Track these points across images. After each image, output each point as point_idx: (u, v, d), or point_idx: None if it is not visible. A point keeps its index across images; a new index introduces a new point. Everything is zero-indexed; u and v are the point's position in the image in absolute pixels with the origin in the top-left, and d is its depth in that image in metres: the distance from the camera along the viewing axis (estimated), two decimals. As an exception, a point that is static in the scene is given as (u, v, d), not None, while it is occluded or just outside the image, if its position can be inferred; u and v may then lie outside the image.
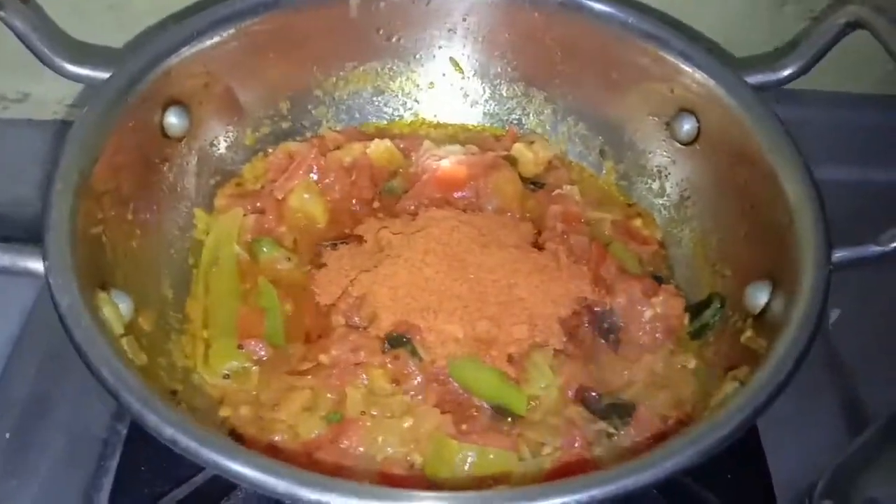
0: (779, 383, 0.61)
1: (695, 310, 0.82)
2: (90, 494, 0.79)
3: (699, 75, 0.85)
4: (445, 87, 1.01)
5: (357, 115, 1.00)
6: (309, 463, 0.67)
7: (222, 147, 0.91)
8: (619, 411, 0.75)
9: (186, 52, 0.83)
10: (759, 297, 0.74)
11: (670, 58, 0.87)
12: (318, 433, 0.70)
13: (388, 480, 0.66)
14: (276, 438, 0.70)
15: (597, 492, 0.54)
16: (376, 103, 1.00)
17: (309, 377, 0.73)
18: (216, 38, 0.85)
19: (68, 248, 0.65)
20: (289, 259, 0.85)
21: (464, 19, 0.96)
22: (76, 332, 0.60)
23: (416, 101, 1.01)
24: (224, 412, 0.73)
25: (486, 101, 1.01)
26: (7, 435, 0.81)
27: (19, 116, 1.07)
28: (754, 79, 0.84)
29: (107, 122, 0.75)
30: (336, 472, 0.64)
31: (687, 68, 0.86)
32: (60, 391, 0.84)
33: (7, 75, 1.02)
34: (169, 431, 0.54)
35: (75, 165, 0.70)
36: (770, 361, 0.62)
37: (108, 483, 0.78)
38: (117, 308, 0.67)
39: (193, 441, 0.53)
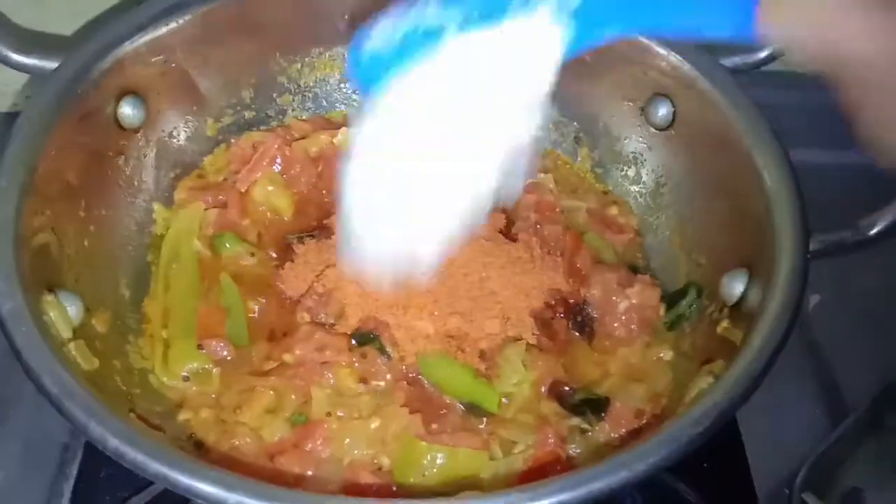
0: (755, 376, 0.59)
1: (671, 300, 0.80)
2: (50, 501, 0.76)
3: (673, 58, 0.83)
4: (415, 72, 0.98)
5: (324, 103, 0.97)
6: (270, 471, 0.64)
7: (182, 138, 0.88)
8: (594, 406, 0.72)
9: (141, 38, 0.79)
10: (735, 286, 0.72)
11: (643, 40, 0.84)
12: (282, 436, 0.68)
13: (354, 487, 0.63)
14: (238, 443, 0.67)
15: (567, 496, 0.52)
16: (344, 90, 0.97)
17: (272, 378, 0.71)
18: (173, 24, 0.82)
19: (11, 249, 0.62)
20: (252, 254, 0.82)
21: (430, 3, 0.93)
22: (17, 339, 0.57)
23: (383, 87, 0.98)
24: (183, 416, 0.70)
25: (456, 85, 0.98)
26: (-37, 441, 0.79)
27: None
28: (730, 61, 0.82)
29: (55, 115, 0.72)
30: (298, 481, 0.62)
31: (660, 51, 0.83)
32: (19, 395, 0.81)
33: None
34: (114, 443, 0.52)
35: (20, 161, 0.67)
36: (745, 354, 0.60)
37: (68, 489, 0.76)
38: (65, 310, 0.64)
39: (140, 454, 0.51)
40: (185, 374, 0.73)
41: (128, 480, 0.72)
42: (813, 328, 0.92)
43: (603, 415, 0.72)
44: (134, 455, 0.51)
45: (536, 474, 0.66)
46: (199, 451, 0.66)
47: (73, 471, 0.76)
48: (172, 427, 0.69)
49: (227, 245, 0.81)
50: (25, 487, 0.77)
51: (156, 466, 0.51)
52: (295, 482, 0.63)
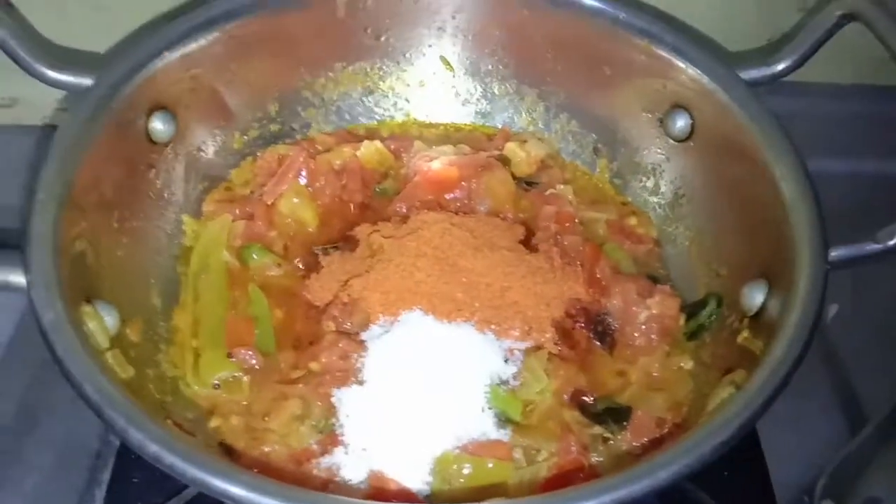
0: (776, 387, 0.60)
1: (691, 310, 0.81)
2: (84, 506, 0.78)
3: (692, 71, 0.84)
4: (436, 86, 0.99)
5: (347, 117, 0.99)
6: (299, 476, 0.66)
7: (210, 152, 0.90)
8: (616, 416, 0.74)
9: (170, 55, 0.82)
10: (755, 297, 0.73)
11: (663, 53, 0.86)
12: (310, 443, 0.69)
13: (381, 495, 0.65)
14: (267, 449, 0.69)
15: (594, 502, 0.53)
16: (366, 104, 0.99)
17: (300, 385, 0.72)
18: (201, 41, 0.84)
19: (51, 260, 0.64)
20: (279, 265, 0.83)
21: (453, 17, 0.94)
22: (59, 348, 0.58)
23: (406, 100, 1.00)
24: (214, 423, 0.72)
25: (478, 99, 1.00)
26: (-3, 448, 0.81)
27: (7, 122, 1.05)
28: (748, 74, 0.83)
29: (90, 130, 0.74)
30: (325, 486, 0.63)
31: (679, 63, 0.85)
32: (52, 402, 0.83)
33: (-7, 79, 1.01)
34: (153, 448, 0.53)
35: (58, 174, 0.69)
36: (767, 364, 0.61)
37: (100, 495, 0.77)
38: (102, 321, 0.66)
39: (178, 458, 0.52)
40: (215, 382, 0.74)
41: (159, 487, 0.73)
42: (831, 338, 0.92)
43: (625, 424, 0.73)
44: (172, 460, 0.53)
45: (560, 482, 0.67)
46: (229, 458, 0.68)
47: (105, 477, 0.77)
48: (203, 434, 0.70)
49: (255, 256, 0.83)
50: (58, 493, 0.79)
51: (193, 471, 0.52)
52: (322, 487, 0.64)
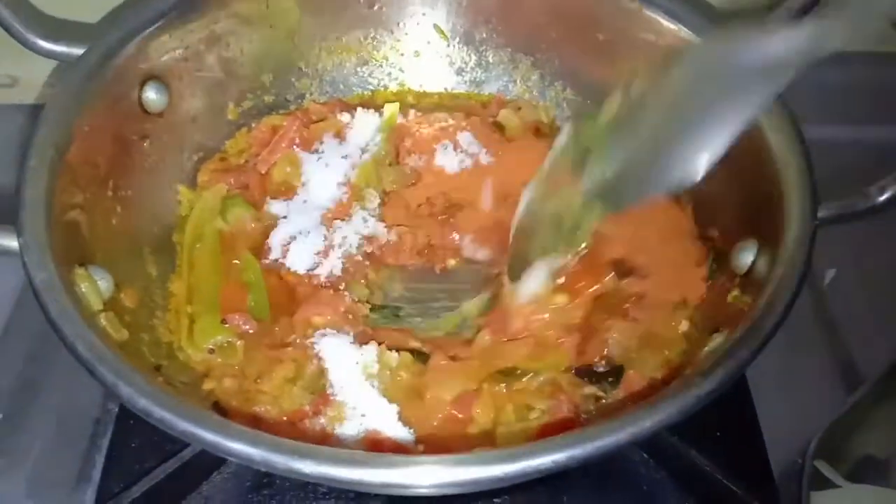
0: (760, 338, 0.60)
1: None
2: (84, 471, 0.79)
3: (685, 33, 0.84)
4: (431, 55, 0.99)
5: (342, 87, 0.99)
6: (294, 432, 0.67)
7: (204, 122, 0.90)
8: (609, 375, 0.74)
9: (164, 25, 0.82)
10: (745, 256, 0.73)
11: (655, 16, 0.85)
12: (302, 404, 0.70)
13: (375, 445, 0.66)
14: (260, 409, 0.69)
15: (578, 450, 0.54)
16: (361, 74, 0.99)
17: (291, 349, 0.73)
18: (195, 12, 0.84)
19: (44, 224, 0.65)
20: (258, 220, 0.84)
21: (447, -16, 0.94)
22: (51, 307, 0.59)
23: (401, 70, 1.00)
24: (208, 385, 0.72)
25: (473, 68, 1.00)
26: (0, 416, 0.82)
27: (8, 101, 1.06)
28: (741, 34, 0.82)
29: (82, 99, 0.75)
30: (320, 441, 0.64)
31: (672, 26, 0.84)
32: (52, 373, 0.84)
33: (-6, 59, 1.01)
34: (142, 403, 0.54)
35: (50, 142, 0.70)
36: (751, 316, 0.61)
37: (100, 460, 0.78)
38: (95, 283, 0.67)
39: (167, 411, 0.53)
40: (210, 346, 0.75)
41: (157, 450, 0.74)
42: (829, 302, 0.92)
43: (617, 383, 0.73)
44: (161, 413, 0.53)
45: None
46: (222, 417, 0.68)
47: (105, 443, 0.78)
48: (197, 396, 0.71)
49: (234, 208, 0.84)
50: (60, 458, 0.80)
51: (182, 424, 0.53)
52: (317, 442, 0.64)
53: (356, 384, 0.69)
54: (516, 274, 0.74)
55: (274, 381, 0.71)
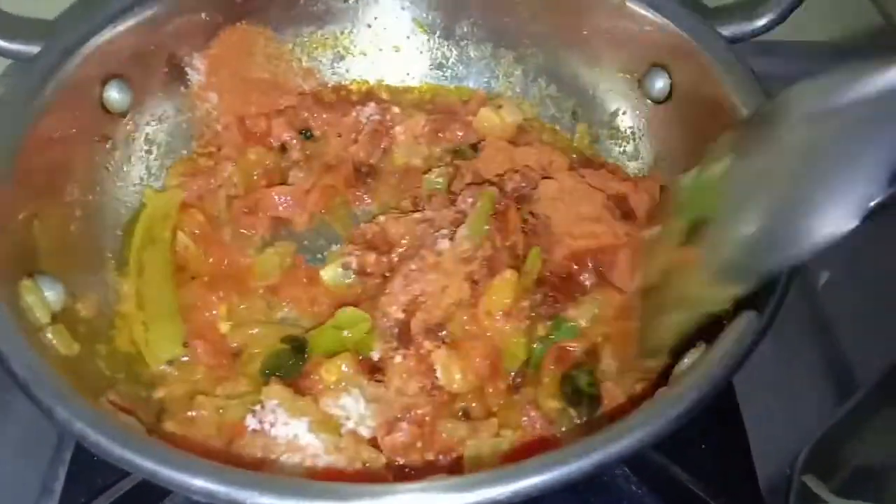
0: (740, 354, 0.56)
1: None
2: (47, 484, 0.77)
3: (670, 27, 0.80)
4: (411, 50, 0.96)
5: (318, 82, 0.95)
6: (231, 455, 0.64)
7: (171, 122, 0.87)
8: (589, 400, 0.70)
9: (126, 21, 0.79)
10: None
11: (640, 10, 0.82)
12: (243, 417, 0.67)
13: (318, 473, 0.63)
14: (194, 414, 0.67)
15: (551, 475, 0.51)
16: (337, 69, 0.96)
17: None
18: (160, 7, 0.81)
19: (-16, 235, 0.62)
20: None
21: (426, -23, 0.91)
22: (-14, 323, 0.56)
23: (380, 65, 0.96)
24: (159, 394, 0.70)
25: (454, 63, 0.96)
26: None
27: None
28: (727, 30, 0.79)
29: (36, 99, 0.72)
30: (258, 466, 0.61)
31: (657, 20, 0.81)
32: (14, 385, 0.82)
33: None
34: (78, 426, 0.51)
35: (-1, 145, 0.67)
36: (729, 333, 0.58)
37: (63, 472, 0.76)
38: (42, 295, 0.64)
39: (102, 437, 0.50)
40: (167, 360, 0.73)
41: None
42: (822, 306, 0.89)
43: (594, 410, 0.69)
44: (96, 438, 0.51)
45: (522, 456, 0.64)
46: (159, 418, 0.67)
47: (68, 456, 0.76)
48: (146, 407, 0.68)
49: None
50: (23, 471, 0.78)
51: (118, 450, 0.50)
52: (255, 467, 0.62)
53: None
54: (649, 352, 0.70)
55: (224, 393, 0.68)
